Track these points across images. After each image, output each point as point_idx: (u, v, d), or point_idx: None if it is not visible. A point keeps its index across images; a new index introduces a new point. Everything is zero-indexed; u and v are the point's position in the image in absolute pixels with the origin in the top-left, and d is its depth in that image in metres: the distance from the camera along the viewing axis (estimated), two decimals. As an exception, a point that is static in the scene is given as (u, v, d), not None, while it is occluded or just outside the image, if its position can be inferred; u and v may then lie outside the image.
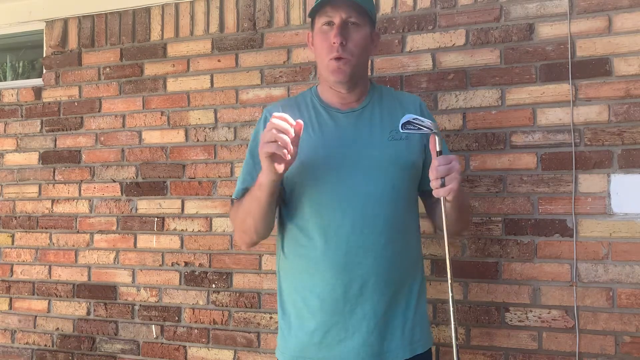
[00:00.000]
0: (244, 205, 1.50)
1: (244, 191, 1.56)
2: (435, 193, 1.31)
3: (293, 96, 1.69)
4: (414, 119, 1.30)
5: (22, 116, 2.72)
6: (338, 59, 1.47)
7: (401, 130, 1.32)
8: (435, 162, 1.30)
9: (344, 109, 1.56)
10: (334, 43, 1.46)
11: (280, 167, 1.32)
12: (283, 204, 1.60)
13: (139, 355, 2.44)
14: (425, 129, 1.29)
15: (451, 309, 1.32)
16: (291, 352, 1.52)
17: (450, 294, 1.32)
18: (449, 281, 1.31)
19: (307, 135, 1.51)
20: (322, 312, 1.47)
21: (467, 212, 1.58)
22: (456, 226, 1.58)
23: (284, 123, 1.29)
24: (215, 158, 2.36)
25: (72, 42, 2.63)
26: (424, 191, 1.62)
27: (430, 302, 2.00)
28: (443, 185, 1.29)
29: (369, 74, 2.09)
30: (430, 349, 1.57)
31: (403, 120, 1.30)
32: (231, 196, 2.27)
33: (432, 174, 1.30)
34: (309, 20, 2.20)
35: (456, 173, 1.29)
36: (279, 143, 1.28)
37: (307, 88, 2.20)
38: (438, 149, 1.30)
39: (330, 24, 1.49)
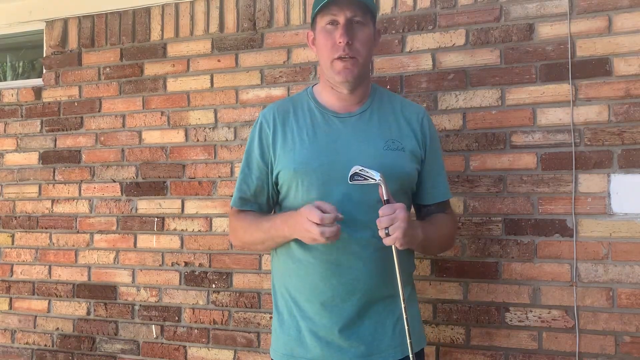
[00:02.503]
0: (255, 233, 1.53)
1: (242, 201, 1.59)
2: (384, 242, 1.34)
3: (288, 97, 1.68)
4: (360, 170, 1.34)
5: (22, 116, 2.72)
6: (344, 58, 1.46)
7: (349, 182, 1.35)
8: (380, 211, 1.33)
9: (341, 113, 1.54)
10: (340, 43, 1.44)
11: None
12: (278, 207, 1.60)
13: (139, 355, 2.44)
14: (370, 179, 1.33)
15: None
16: (282, 350, 1.54)
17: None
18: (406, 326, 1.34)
19: (301, 140, 1.51)
20: (312, 314, 1.49)
21: (437, 243, 1.59)
22: (427, 253, 1.62)
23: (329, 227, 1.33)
24: (215, 158, 2.36)
25: (72, 42, 2.63)
26: (416, 204, 1.64)
27: (430, 302, 2.00)
28: (388, 234, 1.31)
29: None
30: (422, 350, 1.58)
31: (351, 172, 1.34)
32: (231, 196, 2.31)
33: (377, 224, 1.33)
34: (309, 20, 2.22)
35: (400, 222, 1.30)
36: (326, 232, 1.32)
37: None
38: (385, 198, 1.33)
39: (334, 23, 1.47)
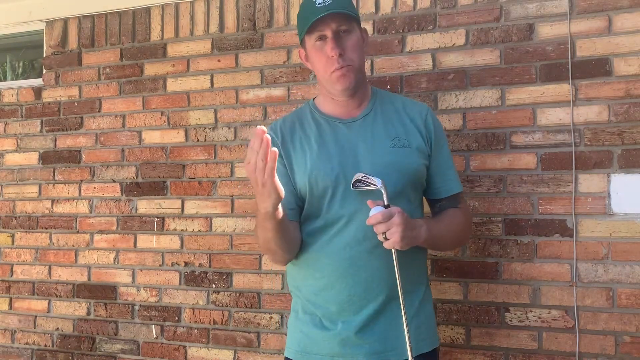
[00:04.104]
0: (259, 233, 1.50)
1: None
2: (384, 246, 1.37)
3: (291, 112, 1.70)
4: (362, 177, 1.39)
5: (22, 116, 2.72)
6: (340, 69, 1.49)
7: (352, 188, 1.40)
8: (374, 218, 1.36)
9: (345, 119, 1.57)
10: (333, 56, 1.48)
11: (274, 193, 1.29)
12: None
13: (139, 355, 2.44)
14: (372, 185, 1.38)
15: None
16: (296, 347, 1.55)
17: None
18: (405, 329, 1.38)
19: (310, 148, 1.53)
20: (329, 313, 1.50)
21: (446, 239, 1.59)
22: (438, 250, 1.65)
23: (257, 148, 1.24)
24: (215, 158, 2.36)
25: (72, 42, 2.63)
26: (428, 200, 1.66)
27: (430, 302, 2.00)
28: (386, 238, 1.35)
29: (369, 74, 2.10)
30: (436, 349, 1.58)
31: (354, 179, 1.41)
32: (231, 196, 2.31)
33: (375, 229, 1.37)
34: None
35: (396, 226, 1.34)
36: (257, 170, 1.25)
37: (307, 88, 2.23)
38: (385, 204, 1.37)
39: (322, 38, 1.50)
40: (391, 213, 1.35)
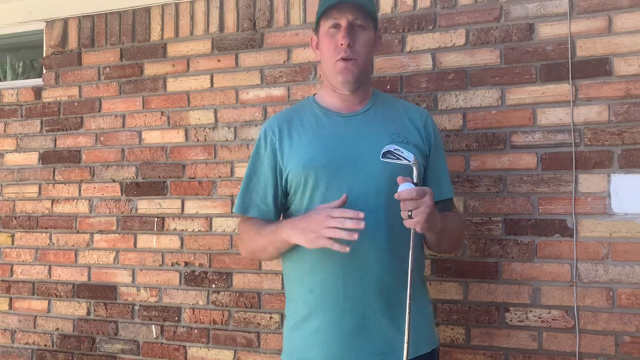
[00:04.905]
0: (259, 241, 1.54)
1: (250, 208, 1.60)
2: (404, 223, 1.34)
3: (289, 108, 1.71)
4: (395, 149, 1.34)
5: (22, 116, 2.72)
6: (346, 59, 1.50)
7: (381, 159, 1.35)
8: (406, 193, 1.33)
9: (346, 113, 1.57)
10: (342, 44, 1.49)
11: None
12: (287, 208, 1.60)
13: (139, 355, 2.44)
14: (404, 159, 1.34)
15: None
16: (296, 353, 1.53)
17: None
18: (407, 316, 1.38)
19: (308, 139, 1.53)
20: (324, 313, 1.48)
21: (450, 237, 1.59)
22: (440, 247, 1.63)
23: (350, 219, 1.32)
24: (215, 158, 2.36)
25: (72, 42, 2.63)
26: None
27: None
28: (411, 217, 1.32)
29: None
30: (435, 350, 1.57)
31: (384, 149, 1.34)
32: (231, 196, 2.31)
33: (402, 205, 1.34)
34: (309, 20, 2.23)
35: (424, 207, 1.32)
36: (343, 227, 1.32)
37: (307, 88, 2.23)
38: (415, 182, 1.34)
39: (336, 26, 1.52)
40: (424, 192, 1.32)
